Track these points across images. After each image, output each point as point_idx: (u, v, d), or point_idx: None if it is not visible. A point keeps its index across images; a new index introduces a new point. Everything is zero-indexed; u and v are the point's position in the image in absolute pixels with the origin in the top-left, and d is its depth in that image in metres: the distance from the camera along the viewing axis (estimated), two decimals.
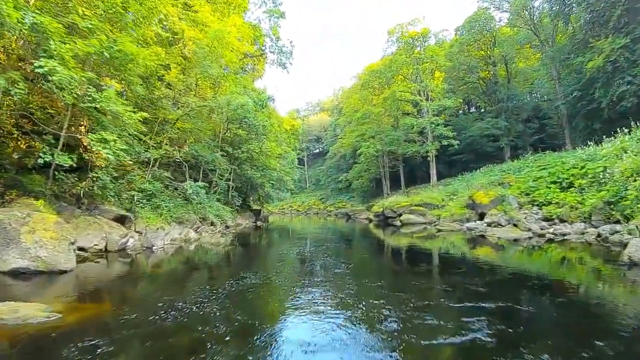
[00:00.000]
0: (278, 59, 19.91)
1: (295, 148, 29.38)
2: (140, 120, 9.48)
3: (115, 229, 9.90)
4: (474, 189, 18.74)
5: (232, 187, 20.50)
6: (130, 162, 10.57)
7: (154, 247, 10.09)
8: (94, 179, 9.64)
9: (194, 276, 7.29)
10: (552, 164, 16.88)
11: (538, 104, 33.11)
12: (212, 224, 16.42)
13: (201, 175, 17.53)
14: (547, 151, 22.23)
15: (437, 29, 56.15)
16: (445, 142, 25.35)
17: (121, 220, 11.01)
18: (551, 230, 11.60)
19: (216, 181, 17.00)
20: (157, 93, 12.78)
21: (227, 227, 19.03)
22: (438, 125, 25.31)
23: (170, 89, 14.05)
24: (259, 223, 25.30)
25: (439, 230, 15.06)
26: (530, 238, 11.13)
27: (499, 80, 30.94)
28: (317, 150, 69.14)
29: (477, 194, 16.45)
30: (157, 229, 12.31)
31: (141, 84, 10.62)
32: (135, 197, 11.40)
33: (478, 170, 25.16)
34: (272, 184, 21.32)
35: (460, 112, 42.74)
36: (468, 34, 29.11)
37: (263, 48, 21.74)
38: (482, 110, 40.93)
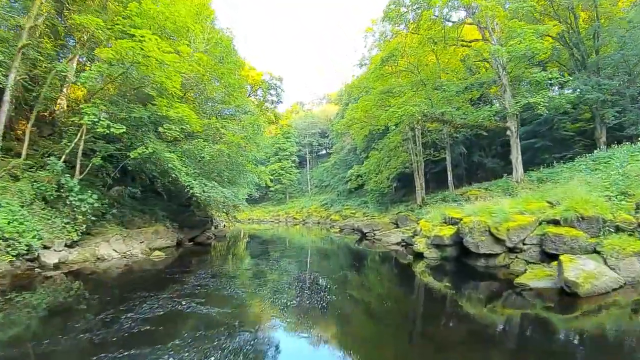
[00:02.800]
0: None
1: (273, 114, 16.81)
2: None
3: None
4: None
5: (78, 167, 8.25)
6: None
7: None
8: None
9: None
10: None
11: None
12: None
13: None
14: None
15: None
16: (551, 96, 12.48)
17: None
18: None
19: None
20: None
21: (39, 267, 6.78)
22: (538, 54, 12.26)
23: None
24: (192, 243, 12.95)
25: None
26: None
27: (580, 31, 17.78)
28: (323, 152, 56.51)
29: None
30: None
31: None
32: None
33: (580, 159, 13.09)
34: (183, 162, 8.68)
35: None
36: None
37: None
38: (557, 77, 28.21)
